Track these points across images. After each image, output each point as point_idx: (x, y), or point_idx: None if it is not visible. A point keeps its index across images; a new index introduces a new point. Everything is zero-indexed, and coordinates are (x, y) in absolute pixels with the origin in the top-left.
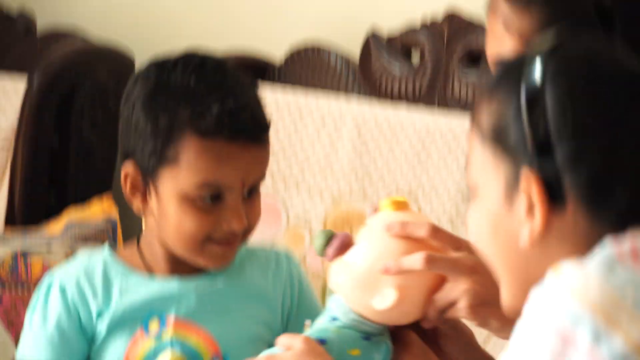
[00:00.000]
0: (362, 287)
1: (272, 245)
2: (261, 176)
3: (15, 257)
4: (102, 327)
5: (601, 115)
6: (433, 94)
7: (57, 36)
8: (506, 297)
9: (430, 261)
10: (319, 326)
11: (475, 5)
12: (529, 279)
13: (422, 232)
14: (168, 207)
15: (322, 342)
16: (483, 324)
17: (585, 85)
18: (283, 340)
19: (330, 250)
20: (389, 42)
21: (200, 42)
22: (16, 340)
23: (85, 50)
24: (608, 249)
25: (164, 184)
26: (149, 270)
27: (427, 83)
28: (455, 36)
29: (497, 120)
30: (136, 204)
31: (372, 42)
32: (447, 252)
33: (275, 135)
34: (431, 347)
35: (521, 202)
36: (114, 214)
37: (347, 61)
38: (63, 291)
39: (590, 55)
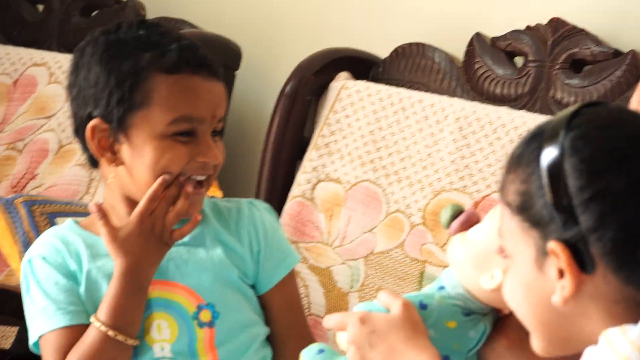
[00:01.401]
0: (475, 263)
1: (233, 200)
2: (224, 115)
3: None
4: (80, 291)
5: (620, 182)
6: (535, 98)
7: (166, 24)
8: (540, 348)
9: None
10: (426, 291)
11: (580, 12)
12: (566, 335)
13: None
14: (143, 150)
15: (423, 306)
16: None
17: (603, 152)
18: (384, 297)
19: (455, 224)
20: (493, 44)
21: (307, 39)
22: None
23: (194, 37)
24: None
25: (137, 129)
26: None
27: (529, 87)
28: (559, 41)
29: (522, 192)
30: (104, 161)
31: (477, 44)
32: None
33: (378, 129)
34: None
35: (552, 267)
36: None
37: (450, 61)
38: (44, 258)
39: (609, 123)
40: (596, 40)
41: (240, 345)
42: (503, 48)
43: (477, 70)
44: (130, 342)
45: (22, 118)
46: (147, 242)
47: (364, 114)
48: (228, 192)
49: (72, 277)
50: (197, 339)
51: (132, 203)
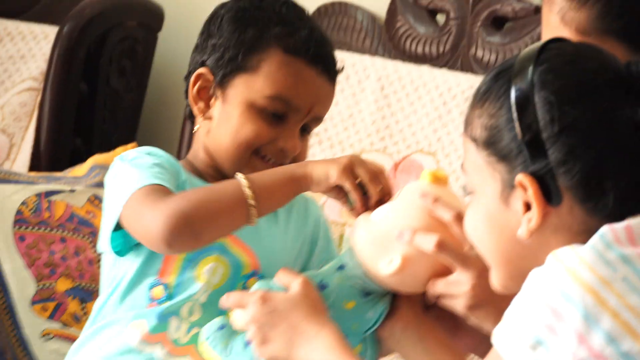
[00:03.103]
0: (376, 245)
1: None
2: (322, 115)
3: (39, 198)
4: None
5: (589, 114)
6: (456, 56)
7: None
8: (500, 283)
9: (441, 247)
10: (325, 271)
11: None
12: (525, 268)
13: (447, 216)
14: (233, 112)
15: (322, 287)
16: (477, 323)
17: (572, 85)
18: (282, 277)
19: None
20: (415, 2)
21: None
22: (37, 277)
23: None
24: (604, 232)
25: (236, 90)
26: (205, 180)
27: (451, 45)
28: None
29: (490, 126)
30: (196, 109)
31: (399, 2)
32: (462, 244)
33: None
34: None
35: (518, 200)
36: None
37: (373, 19)
38: (152, 154)
39: (577, 57)
40: None
41: None
42: (425, 5)
43: (399, 29)
44: (253, 216)
45: None
46: None
47: None
48: None
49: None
50: None
51: (211, 156)
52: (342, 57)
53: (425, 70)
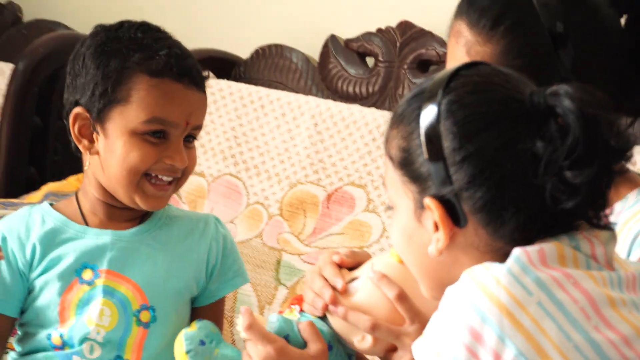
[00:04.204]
0: (347, 324)
1: (200, 213)
2: (200, 123)
3: None
4: (38, 275)
5: (490, 146)
6: (384, 96)
7: (41, 26)
8: (426, 293)
9: (373, 328)
10: (329, 333)
11: (427, 15)
12: (443, 280)
13: (390, 294)
14: (116, 144)
15: (330, 347)
16: None
17: (475, 116)
18: (307, 331)
19: None
20: (347, 45)
21: None
22: None
23: (68, 37)
24: (517, 254)
25: (113, 123)
26: (85, 221)
27: (380, 86)
28: (407, 43)
29: (403, 148)
30: (81, 148)
31: (331, 45)
32: (403, 322)
33: (239, 125)
34: None
35: (428, 219)
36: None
37: (307, 61)
38: (4, 239)
39: (483, 86)
40: (442, 42)
41: (163, 354)
42: (355, 49)
43: (331, 70)
44: None
45: None
46: None
47: (226, 111)
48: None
49: (22, 269)
50: (131, 334)
51: (104, 191)
52: (278, 95)
53: (355, 108)
